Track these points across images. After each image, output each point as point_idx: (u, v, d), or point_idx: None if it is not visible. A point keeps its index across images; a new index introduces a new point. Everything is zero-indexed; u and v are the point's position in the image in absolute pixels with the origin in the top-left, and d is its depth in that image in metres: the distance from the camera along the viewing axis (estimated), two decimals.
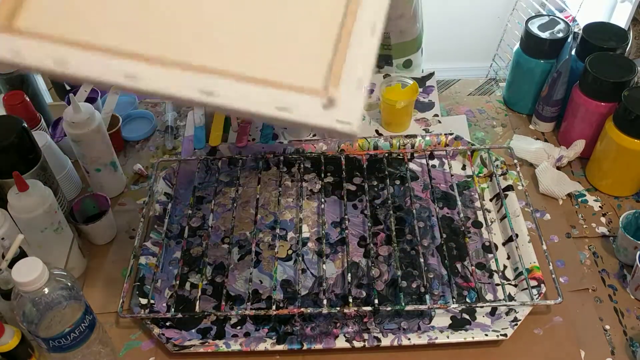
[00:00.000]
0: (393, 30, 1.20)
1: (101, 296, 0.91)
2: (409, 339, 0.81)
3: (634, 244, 0.88)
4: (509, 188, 0.99)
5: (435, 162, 1.08)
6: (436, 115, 1.16)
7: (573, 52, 1.07)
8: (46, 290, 0.70)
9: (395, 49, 1.25)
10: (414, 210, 0.96)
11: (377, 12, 0.59)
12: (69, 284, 0.73)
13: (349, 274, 0.88)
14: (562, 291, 0.84)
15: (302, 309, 0.83)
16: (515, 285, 0.89)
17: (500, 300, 0.87)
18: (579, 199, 1.02)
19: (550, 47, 1.07)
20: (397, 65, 1.28)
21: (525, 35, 1.09)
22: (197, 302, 0.85)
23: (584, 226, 0.98)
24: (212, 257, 0.95)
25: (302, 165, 1.06)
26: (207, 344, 0.82)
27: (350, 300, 0.84)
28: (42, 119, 1.07)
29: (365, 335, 0.82)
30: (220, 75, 0.57)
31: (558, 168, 1.06)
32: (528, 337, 0.84)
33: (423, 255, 0.90)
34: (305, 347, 0.82)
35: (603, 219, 0.99)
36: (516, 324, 0.82)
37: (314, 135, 1.11)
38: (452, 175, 1.03)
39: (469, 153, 1.06)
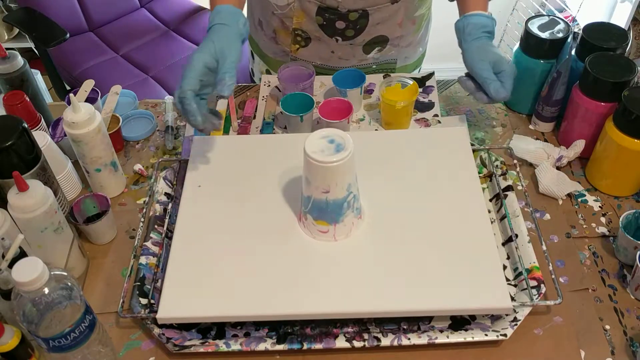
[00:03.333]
0: (400, 57, 1.23)
1: (101, 296, 0.91)
2: (409, 339, 0.81)
3: (634, 244, 0.88)
4: (509, 188, 0.99)
5: None
6: (436, 115, 1.16)
7: (573, 52, 1.07)
8: (46, 290, 0.70)
9: (397, 70, 1.28)
10: None
11: None
12: (69, 284, 0.73)
13: None
14: (562, 291, 0.84)
15: None
16: (515, 286, 0.89)
17: None
18: (579, 199, 1.02)
19: (550, 47, 1.07)
20: None
21: (525, 35, 1.09)
22: None
23: (584, 226, 0.98)
24: None
25: None
26: (207, 344, 0.82)
27: None
28: (42, 119, 1.07)
29: (365, 335, 0.82)
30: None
31: (558, 168, 1.06)
32: (528, 337, 0.84)
33: None
34: (305, 347, 0.82)
35: (603, 219, 0.99)
36: (516, 324, 0.82)
37: None
38: None
39: None
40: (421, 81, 1.22)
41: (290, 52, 1.23)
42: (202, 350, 0.82)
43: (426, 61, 1.37)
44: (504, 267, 0.91)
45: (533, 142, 1.09)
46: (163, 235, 0.96)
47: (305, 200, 0.86)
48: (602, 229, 0.97)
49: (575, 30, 1.09)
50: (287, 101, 1.09)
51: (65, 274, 0.74)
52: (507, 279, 0.90)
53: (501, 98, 0.97)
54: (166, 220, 0.97)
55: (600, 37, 1.04)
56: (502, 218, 0.96)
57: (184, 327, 0.86)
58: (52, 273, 0.71)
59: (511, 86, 0.98)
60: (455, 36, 1.03)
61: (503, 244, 0.94)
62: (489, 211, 0.99)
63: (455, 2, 1.10)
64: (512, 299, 0.87)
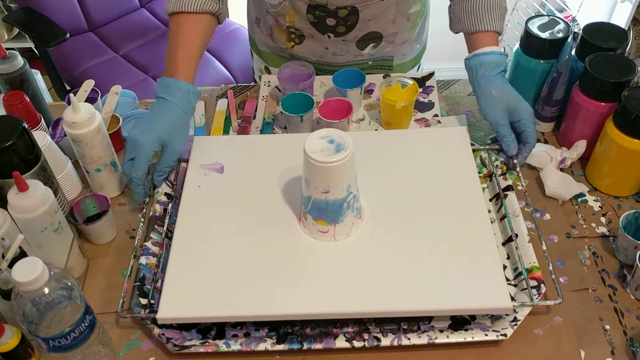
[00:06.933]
0: (396, 54, 1.23)
1: (101, 296, 0.91)
2: (409, 339, 0.81)
3: (634, 244, 0.88)
4: (509, 188, 0.99)
5: None
6: (436, 115, 1.16)
7: (573, 52, 1.07)
8: (46, 290, 0.70)
9: (395, 69, 1.27)
10: None
11: None
12: (69, 284, 0.73)
13: None
14: (562, 291, 0.84)
15: None
16: (515, 286, 0.89)
17: None
18: (579, 199, 1.02)
19: (550, 47, 1.07)
20: None
21: (525, 35, 1.09)
22: None
23: (584, 226, 0.98)
24: None
25: None
26: (207, 344, 0.82)
27: None
28: (42, 119, 1.07)
29: (365, 335, 0.82)
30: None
31: (560, 169, 1.05)
32: (528, 337, 0.84)
33: None
34: (305, 347, 0.82)
35: (603, 219, 0.99)
36: (516, 324, 0.82)
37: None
38: None
39: None
40: (421, 81, 1.22)
41: (287, 49, 1.23)
42: (202, 350, 0.82)
43: (427, 61, 1.37)
44: (504, 267, 0.91)
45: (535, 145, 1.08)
46: (163, 235, 0.96)
47: (305, 200, 0.86)
48: (602, 229, 0.97)
49: (575, 30, 1.09)
50: (287, 101, 1.09)
51: (66, 274, 0.74)
52: (507, 279, 0.90)
53: (517, 156, 1.01)
54: (166, 220, 0.97)
55: (600, 37, 1.03)
56: (502, 218, 0.96)
57: (184, 327, 0.86)
58: (52, 273, 0.71)
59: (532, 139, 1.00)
60: (454, 39, 1.03)
61: (503, 244, 0.94)
62: (489, 211, 0.99)
63: (460, 21, 1.07)
64: (512, 299, 0.87)
